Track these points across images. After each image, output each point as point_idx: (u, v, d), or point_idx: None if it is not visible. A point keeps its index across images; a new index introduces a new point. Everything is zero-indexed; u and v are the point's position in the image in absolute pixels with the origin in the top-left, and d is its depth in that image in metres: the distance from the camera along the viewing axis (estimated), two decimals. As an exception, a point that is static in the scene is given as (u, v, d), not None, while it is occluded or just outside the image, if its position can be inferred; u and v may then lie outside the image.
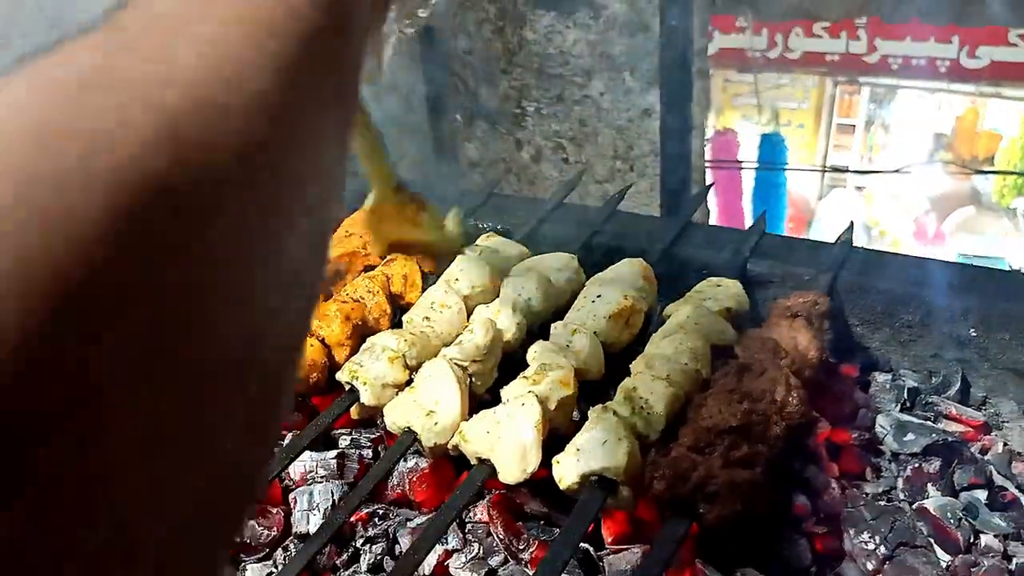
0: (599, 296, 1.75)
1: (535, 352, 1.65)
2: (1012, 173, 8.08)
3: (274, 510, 1.62)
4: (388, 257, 1.97)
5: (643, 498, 1.39)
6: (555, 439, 1.49)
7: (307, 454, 1.68)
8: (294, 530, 1.58)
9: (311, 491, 1.60)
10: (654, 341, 1.64)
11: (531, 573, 1.45)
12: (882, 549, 1.41)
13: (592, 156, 4.01)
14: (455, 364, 1.59)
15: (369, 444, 1.72)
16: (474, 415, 1.50)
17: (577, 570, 1.44)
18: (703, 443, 1.37)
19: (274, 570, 1.55)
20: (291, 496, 1.62)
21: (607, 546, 1.50)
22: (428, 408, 1.53)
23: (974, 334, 1.76)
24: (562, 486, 1.39)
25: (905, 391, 1.77)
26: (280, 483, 1.68)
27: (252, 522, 1.59)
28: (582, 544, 1.49)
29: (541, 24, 3.97)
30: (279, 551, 1.58)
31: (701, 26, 3.94)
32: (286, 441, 1.74)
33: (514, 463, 1.41)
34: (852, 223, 2.01)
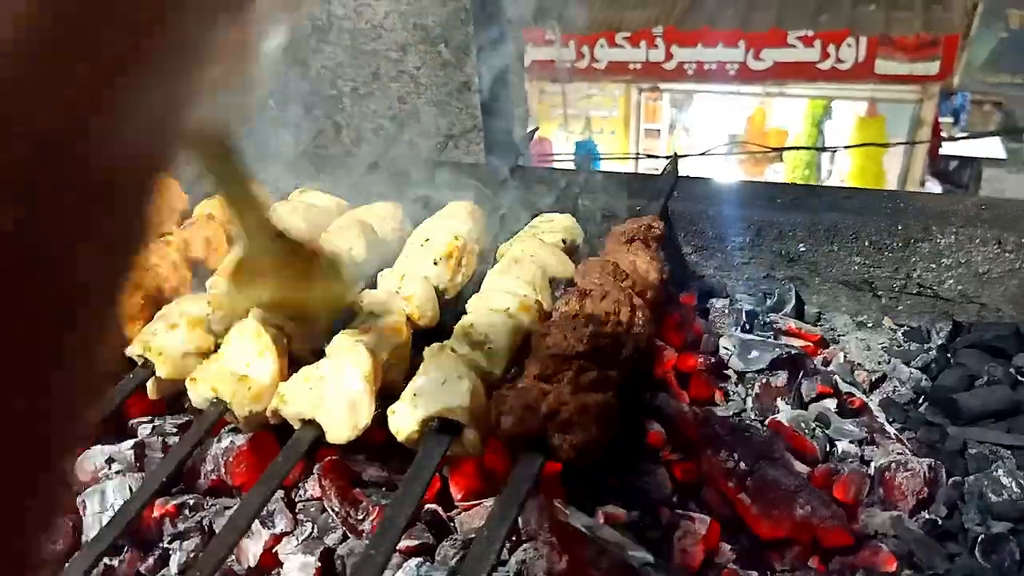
0: (427, 240, 1.61)
1: (362, 302, 1.48)
2: (800, 148, 8.62)
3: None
4: (189, 220, 1.73)
5: (491, 440, 1.25)
6: (391, 398, 1.32)
7: (96, 448, 1.42)
8: (85, 538, 1.33)
9: (103, 490, 1.35)
10: (490, 277, 1.51)
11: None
12: (742, 465, 1.34)
13: (415, 135, 3.86)
14: (269, 324, 1.39)
15: (175, 431, 1.48)
16: (292, 376, 1.31)
17: (426, 534, 1.28)
18: (550, 372, 1.25)
19: (63, 589, 1.29)
20: (78, 500, 1.36)
21: (457, 504, 1.35)
22: (239, 373, 1.32)
23: (803, 249, 1.75)
24: (400, 438, 1.23)
25: (743, 314, 1.74)
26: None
27: (32, 535, 1.32)
28: (429, 505, 1.34)
29: (348, -2, 3.78)
30: (68, 566, 1.32)
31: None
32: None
33: (343, 420, 1.24)
34: (676, 154, 1.98)
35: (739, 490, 1.33)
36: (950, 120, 8.73)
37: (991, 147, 8.37)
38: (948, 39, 7.75)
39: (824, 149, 8.74)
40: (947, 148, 8.68)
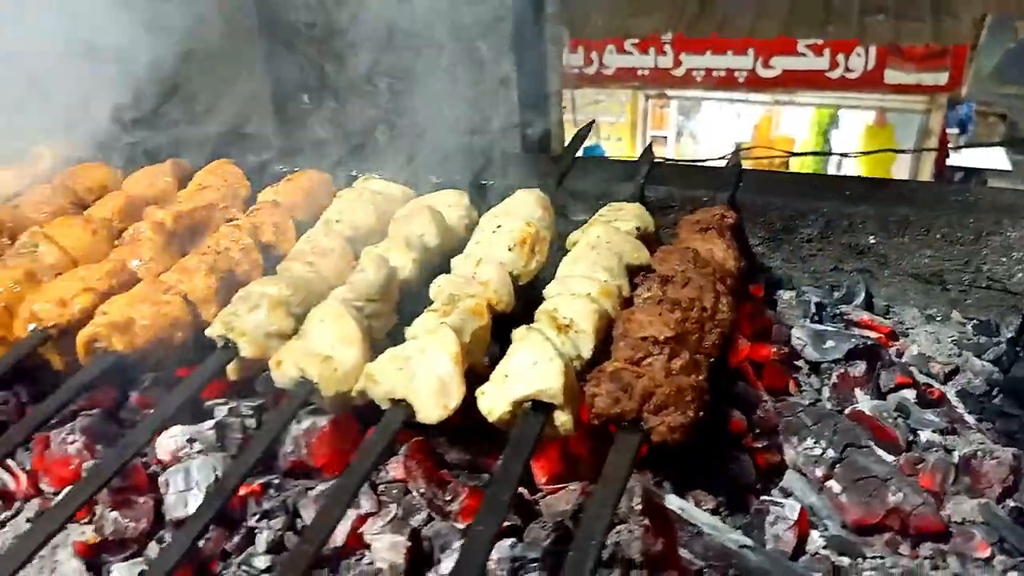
0: (499, 227, 1.60)
1: (439, 285, 1.47)
2: (815, 154, 8.60)
3: (140, 499, 1.35)
4: (254, 206, 1.73)
5: (581, 421, 1.24)
6: (470, 381, 1.31)
7: (176, 428, 1.42)
8: (169, 517, 1.32)
9: (187, 469, 1.34)
10: (566, 264, 1.51)
11: (461, 526, 1.27)
12: (830, 453, 1.33)
13: (450, 132, 3.86)
14: (350, 305, 1.39)
15: (251, 412, 1.48)
16: (379, 356, 1.30)
17: (513, 516, 1.27)
18: (641, 355, 1.24)
19: (147, 568, 1.29)
20: (161, 479, 1.36)
21: (541, 487, 1.34)
22: (324, 354, 1.31)
23: (873, 241, 1.74)
24: (492, 418, 1.22)
25: (812, 305, 1.73)
26: (144, 468, 1.41)
27: (113, 514, 1.31)
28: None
29: (387, -9, 3.78)
30: (152, 544, 1.31)
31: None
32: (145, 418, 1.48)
33: (434, 399, 1.23)
34: (738, 145, 1.97)
35: (827, 477, 1.32)
36: (955, 131, 8.73)
37: (996, 158, 8.35)
38: (957, 50, 7.74)
39: (844, 155, 8.73)
40: (953, 159, 8.67)
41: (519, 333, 1.28)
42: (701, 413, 1.18)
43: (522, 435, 1.17)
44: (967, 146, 8.58)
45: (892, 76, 8.03)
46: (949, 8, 7.07)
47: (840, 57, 8.07)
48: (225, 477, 1.18)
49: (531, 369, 1.21)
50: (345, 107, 3.99)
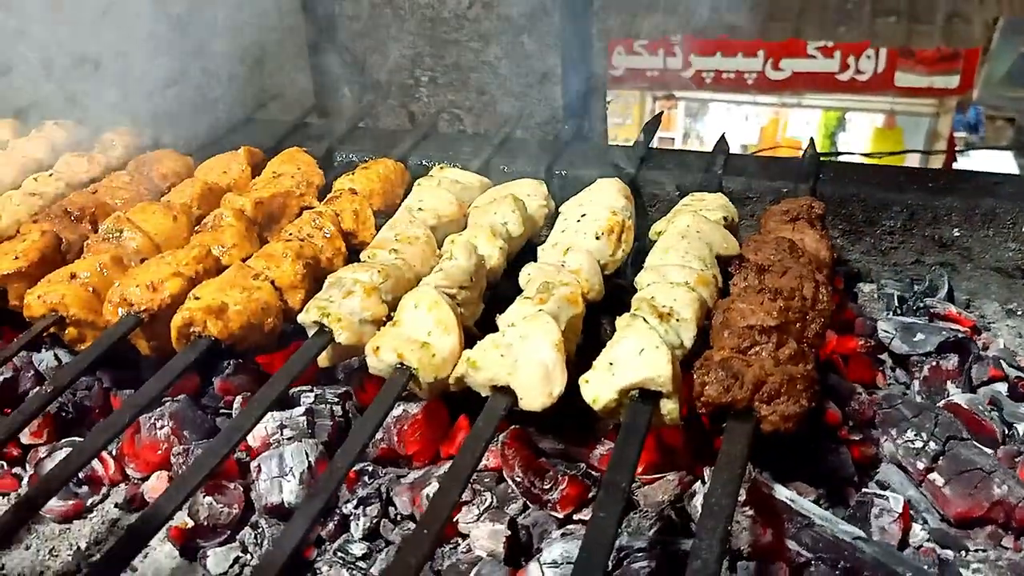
0: (584, 215, 1.58)
1: (529, 273, 1.45)
2: (834, 155, 8.50)
3: (230, 485, 1.34)
4: (332, 194, 1.72)
5: (684, 412, 1.23)
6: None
7: (267, 415, 1.40)
8: (263, 502, 1.31)
9: (280, 455, 1.33)
10: (656, 253, 1.49)
11: (560, 515, 1.26)
12: (932, 445, 1.31)
13: (491, 126, 3.84)
14: (443, 291, 1.37)
15: (336, 400, 1.47)
16: (478, 343, 1.29)
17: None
18: (747, 343, 1.22)
19: (241, 554, 1.28)
20: (253, 464, 1.35)
21: (637, 477, 1.33)
22: (421, 340, 1.30)
23: (957, 234, 1.72)
24: (597, 406, 1.20)
25: (895, 298, 1.70)
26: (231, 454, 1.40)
27: (208, 499, 1.30)
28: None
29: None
30: (246, 530, 1.31)
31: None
32: (235, 407, 1.47)
33: (538, 387, 1.21)
34: (812, 139, 1.94)
35: (929, 470, 1.30)
36: (963, 135, 8.64)
37: (1004, 162, 8.26)
38: (968, 53, 7.66)
39: (869, 154, 8.66)
40: (960, 162, 8.59)
41: (623, 321, 1.27)
42: (813, 403, 1.16)
43: (632, 423, 1.15)
44: (971, 148, 8.49)
45: (903, 79, 7.96)
46: (961, 11, 6.99)
47: (851, 59, 8.00)
48: (335, 464, 1.17)
49: (638, 357, 1.20)
50: (386, 100, 3.98)
